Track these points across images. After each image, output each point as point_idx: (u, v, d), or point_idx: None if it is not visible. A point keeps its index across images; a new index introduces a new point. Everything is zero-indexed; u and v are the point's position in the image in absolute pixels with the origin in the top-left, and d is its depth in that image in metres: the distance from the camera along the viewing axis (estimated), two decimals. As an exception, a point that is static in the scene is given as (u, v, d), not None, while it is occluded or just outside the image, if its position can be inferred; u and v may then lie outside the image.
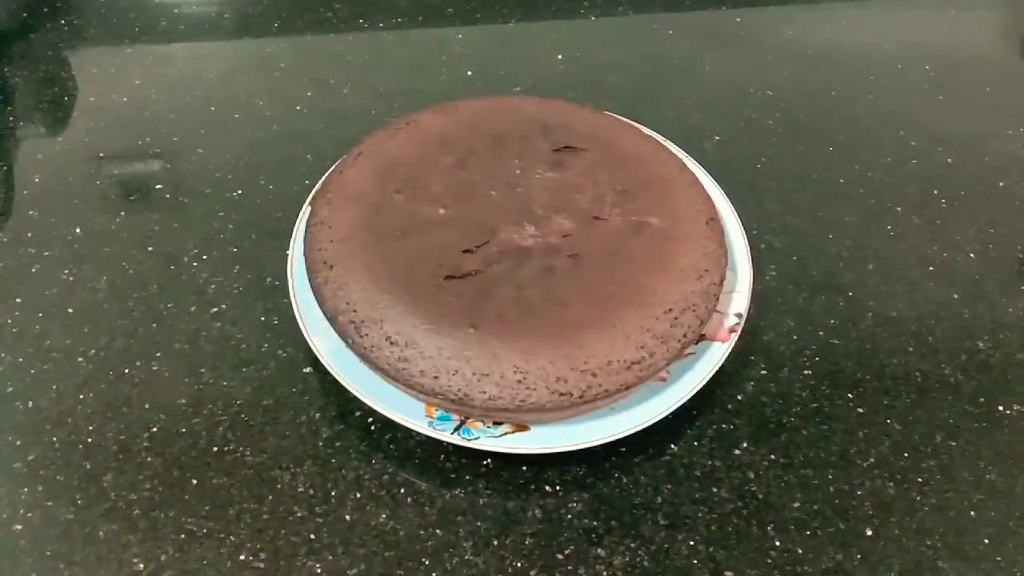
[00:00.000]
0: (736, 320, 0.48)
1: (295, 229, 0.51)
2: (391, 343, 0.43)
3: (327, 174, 0.52)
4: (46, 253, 0.54)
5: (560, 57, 0.70)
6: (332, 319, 0.45)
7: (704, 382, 0.45)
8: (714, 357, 0.46)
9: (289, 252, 0.50)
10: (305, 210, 0.52)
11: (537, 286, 0.45)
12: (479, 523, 0.43)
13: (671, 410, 0.44)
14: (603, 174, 0.51)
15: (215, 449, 0.45)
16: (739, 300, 0.49)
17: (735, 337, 0.47)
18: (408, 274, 0.45)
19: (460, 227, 0.48)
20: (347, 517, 0.43)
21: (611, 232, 0.48)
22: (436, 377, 0.42)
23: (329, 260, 0.46)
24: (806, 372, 0.50)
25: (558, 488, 0.44)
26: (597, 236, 0.48)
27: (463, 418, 0.44)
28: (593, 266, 0.46)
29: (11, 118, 0.63)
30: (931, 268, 0.55)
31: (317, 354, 0.45)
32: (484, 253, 0.47)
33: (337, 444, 0.45)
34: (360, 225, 0.47)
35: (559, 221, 0.49)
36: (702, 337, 0.47)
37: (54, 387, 0.47)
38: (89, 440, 0.45)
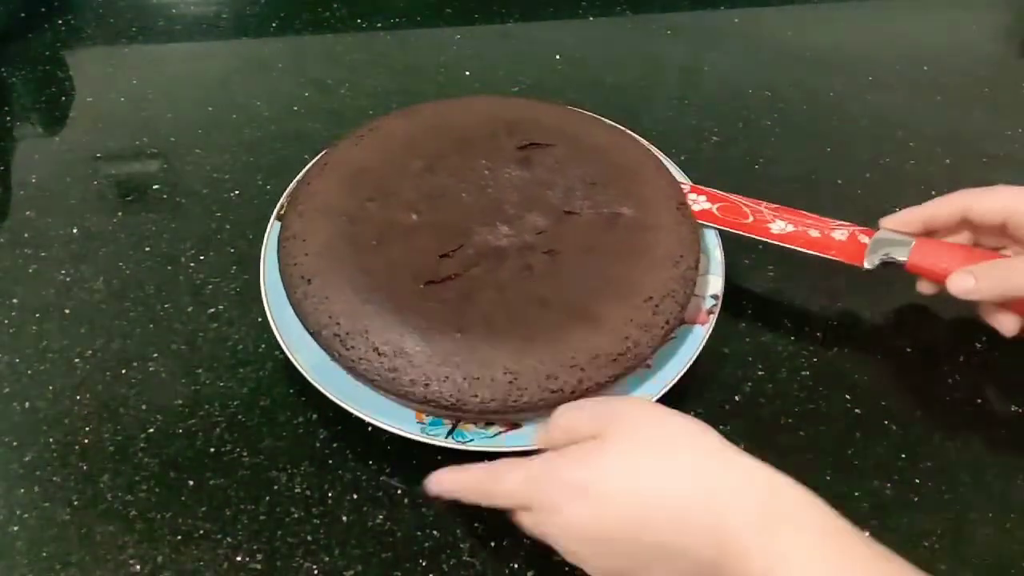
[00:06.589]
0: (713, 302, 0.49)
1: (263, 248, 0.50)
2: (379, 353, 0.43)
3: (292, 186, 0.52)
4: (43, 253, 0.54)
5: (558, 57, 0.70)
6: (316, 334, 0.44)
7: (688, 365, 0.46)
8: (696, 340, 0.47)
9: (261, 265, 0.49)
10: (272, 225, 0.51)
11: (518, 286, 0.45)
12: (476, 524, 0.43)
13: (661, 393, 0.45)
14: (571, 167, 0.51)
15: (212, 450, 0.45)
16: (714, 282, 0.50)
17: (714, 318, 0.48)
18: (389, 283, 0.45)
19: (435, 232, 0.48)
20: (344, 518, 0.43)
21: (584, 225, 0.48)
22: (427, 385, 0.42)
23: (307, 274, 0.45)
24: (803, 373, 0.50)
25: (555, 489, 0.44)
26: (571, 231, 0.48)
27: (456, 421, 0.44)
28: (570, 261, 0.46)
29: (8, 118, 0.63)
30: (929, 268, 0.55)
31: (301, 370, 0.44)
32: (461, 256, 0.46)
33: (334, 445, 0.45)
34: (335, 236, 0.47)
35: (532, 219, 0.49)
36: (681, 321, 0.48)
37: (51, 388, 0.47)
38: (86, 441, 0.45)
